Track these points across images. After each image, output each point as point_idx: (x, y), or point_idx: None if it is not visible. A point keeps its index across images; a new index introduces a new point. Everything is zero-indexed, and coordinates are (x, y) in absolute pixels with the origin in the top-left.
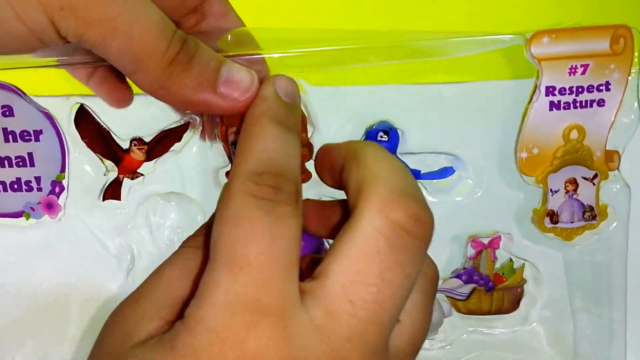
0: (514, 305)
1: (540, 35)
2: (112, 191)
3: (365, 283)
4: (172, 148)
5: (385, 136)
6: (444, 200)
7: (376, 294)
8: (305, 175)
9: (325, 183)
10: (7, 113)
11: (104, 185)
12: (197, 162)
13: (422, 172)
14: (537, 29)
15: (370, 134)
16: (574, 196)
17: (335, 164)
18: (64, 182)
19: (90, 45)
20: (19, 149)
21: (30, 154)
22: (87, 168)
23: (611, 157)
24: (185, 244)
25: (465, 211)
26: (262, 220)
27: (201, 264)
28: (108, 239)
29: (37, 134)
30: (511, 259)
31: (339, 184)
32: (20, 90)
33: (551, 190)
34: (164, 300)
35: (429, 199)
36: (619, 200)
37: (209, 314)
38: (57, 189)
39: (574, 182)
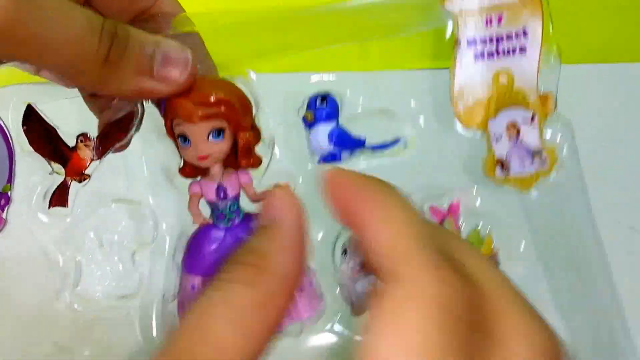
0: None
1: None
2: (58, 197)
3: None
4: (119, 142)
5: (324, 103)
6: (390, 163)
7: None
8: (254, 160)
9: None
10: None
11: (49, 191)
12: (145, 160)
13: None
14: None
15: (310, 102)
16: (519, 141)
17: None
18: (9, 193)
19: (25, 61)
20: None
21: None
22: (34, 176)
23: (545, 100)
24: None
25: (414, 174)
26: None
27: None
28: (54, 252)
29: None
30: (477, 227)
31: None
32: None
33: (494, 135)
34: None
35: (374, 163)
36: (565, 139)
37: None
38: (2, 202)
39: (514, 125)
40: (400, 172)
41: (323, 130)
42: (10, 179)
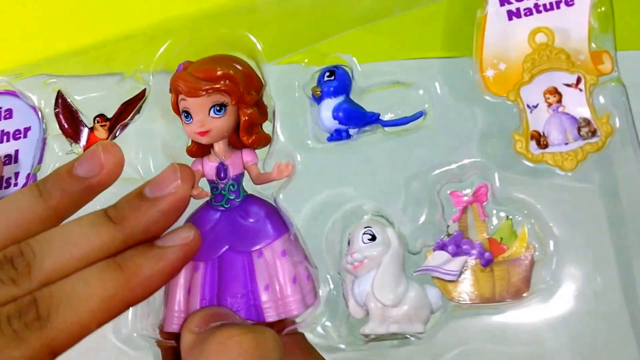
0: (524, 285)
1: None
2: None
3: None
4: (131, 119)
5: (332, 76)
6: (401, 140)
7: None
8: (257, 137)
9: None
10: (8, 116)
11: None
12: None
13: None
14: None
15: (320, 76)
16: (560, 109)
17: None
18: (37, 174)
19: None
20: (9, 147)
21: (16, 152)
22: (56, 157)
23: (599, 59)
24: None
25: (430, 152)
26: None
27: None
28: None
29: (26, 130)
30: (508, 217)
31: None
32: (19, 92)
33: (529, 106)
34: None
35: (385, 142)
36: (618, 106)
37: None
38: (30, 182)
39: (554, 91)
40: (413, 150)
41: (328, 105)
42: (40, 161)
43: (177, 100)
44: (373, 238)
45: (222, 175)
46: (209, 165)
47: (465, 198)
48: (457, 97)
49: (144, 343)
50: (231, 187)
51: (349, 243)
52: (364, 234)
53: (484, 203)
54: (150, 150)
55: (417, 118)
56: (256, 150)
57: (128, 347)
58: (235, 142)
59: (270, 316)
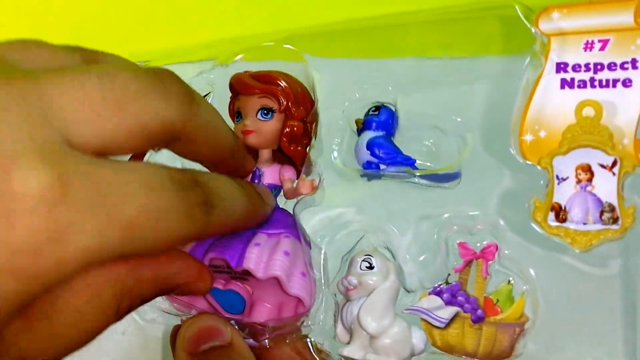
0: (508, 350)
1: (549, 11)
2: None
3: None
4: None
5: (377, 111)
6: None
7: None
8: (296, 150)
9: None
10: None
11: None
12: None
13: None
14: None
15: (367, 111)
16: (588, 188)
17: None
18: None
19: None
20: None
21: None
22: None
23: None
24: None
25: (447, 197)
26: None
27: None
28: None
29: None
30: (510, 281)
31: None
32: None
33: (558, 177)
34: None
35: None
36: None
37: None
38: None
39: (587, 169)
40: (432, 191)
41: (366, 137)
42: None
43: (233, 102)
44: (371, 267)
45: (255, 180)
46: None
47: (473, 252)
48: (489, 151)
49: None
50: None
51: (348, 266)
52: (363, 260)
53: (490, 262)
54: None
55: (452, 180)
56: None
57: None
58: (280, 158)
59: (249, 263)
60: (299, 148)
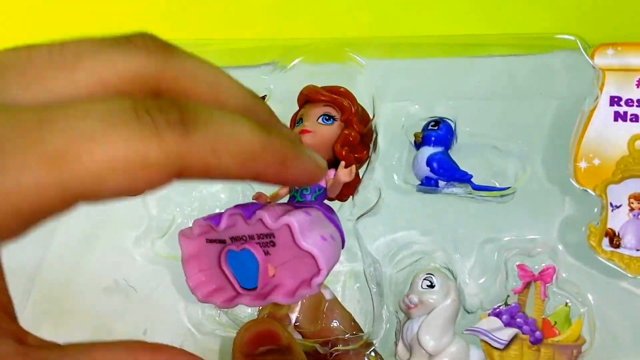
0: None
1: (604, 47)
2: None
3: None
4: None
5: (436, 126)
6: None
7: None
8: (348, 157)
9: None
10: None
11: None
12: None
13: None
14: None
15: (424, 126)
16: None
17: None
18: None
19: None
20: None
21: None
22: None
23: None
24: None
25: (504, 215)
26: None
27: None
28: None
29: None
30: (567, 303)
31: None
32: None
33: (611, 204)
34: None
35: (471, 204)
36: None
37: None
38: None
39: (639, 198)
40: (496, 215)
41: (425, 152)
42: None
43: (298, 112)
44: (432, 285)
45: None
46: None
47: (531, 274)
48: (550, 176)
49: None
50: (304, 190)
51: (410, 284)
52: (424, 279)
53: (548, 284)
54: None
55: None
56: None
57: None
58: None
59: (262, 211)
60: (351, 154)
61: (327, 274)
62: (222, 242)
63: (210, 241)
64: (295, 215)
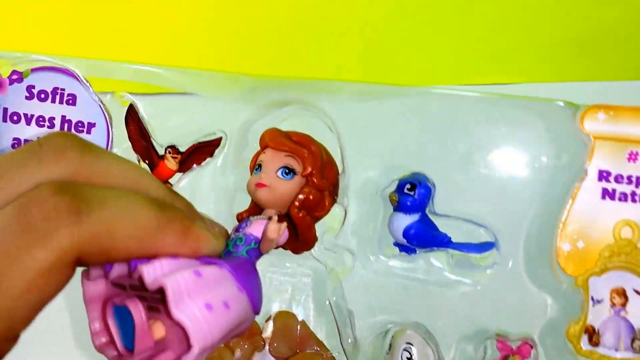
0: None
1: (595, 110)
2: None
3: None
4: (203, 162)
5: (412, 190)
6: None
7: None
8: (304, 219)
9: None
10: (70, 102)
11: None
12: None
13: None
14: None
15: (400, 184)
16: (622, 313)
17: None
18: None
19: None
20: None
21: None
22: None
23: None
24: None
25: (484, 301)
26: None
27: None
28: None
29: (90, 126)
30: None
31: None
32: (87, 82)
33: (592, 298)
34: None
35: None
36: None
37: None
38: None
39: (622, 293)
40: (474, 307)
41: (401, 221)
42: None
43: (258, 155)
44: (410, 358)
45: (240, 228)
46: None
47: (510, 348)
48: (531, 274)
49: None
50: (238, 241)
51: (389, 347)
52: (404, 349)
53: (525, 359)
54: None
55: (486, 250)
56: None
57: None
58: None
59: (144, 266)
60: (307, 217)
61: (208, 351)
62: (124, 288)
63: (114, 285)
64: (176, 276)
